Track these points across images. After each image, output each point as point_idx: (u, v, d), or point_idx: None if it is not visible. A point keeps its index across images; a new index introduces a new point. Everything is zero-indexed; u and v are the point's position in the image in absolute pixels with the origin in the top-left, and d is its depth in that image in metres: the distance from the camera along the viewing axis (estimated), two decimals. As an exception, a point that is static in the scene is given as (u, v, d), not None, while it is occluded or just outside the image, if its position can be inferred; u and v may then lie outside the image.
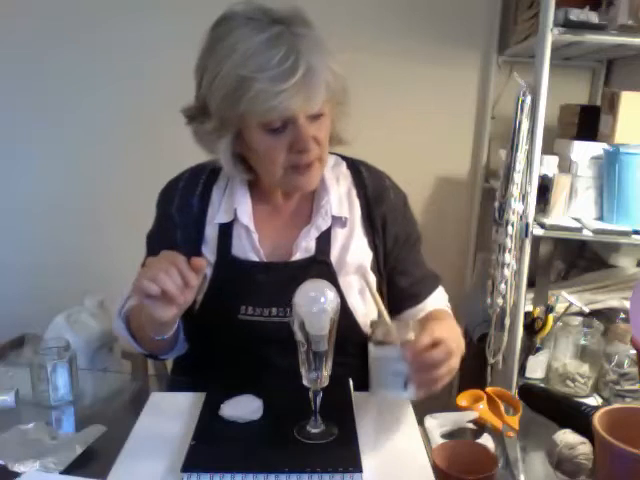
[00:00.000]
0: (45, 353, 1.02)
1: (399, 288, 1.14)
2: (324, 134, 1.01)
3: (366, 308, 1.10)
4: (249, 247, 1.08)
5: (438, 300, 1.17)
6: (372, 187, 1.14)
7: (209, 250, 1.09)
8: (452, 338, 0.86)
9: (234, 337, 1.07)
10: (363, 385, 0.95)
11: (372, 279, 1.11)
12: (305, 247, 1.08)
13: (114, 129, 2.26)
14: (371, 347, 0.86)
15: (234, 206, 1.08)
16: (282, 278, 1.03)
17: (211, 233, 1.10)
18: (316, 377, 0.84)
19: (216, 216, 1.09)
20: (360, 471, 0.78)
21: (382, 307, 0.90)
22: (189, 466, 0.78)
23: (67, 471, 0.82)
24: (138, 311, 1.04)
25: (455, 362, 0.85)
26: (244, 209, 1.08)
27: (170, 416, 0.95)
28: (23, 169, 2.33)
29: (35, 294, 2.24)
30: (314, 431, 0.85)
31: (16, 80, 2.25)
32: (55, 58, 2.21)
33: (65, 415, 1.02)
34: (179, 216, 1.11)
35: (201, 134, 1.03)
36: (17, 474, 0.80)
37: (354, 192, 1.13)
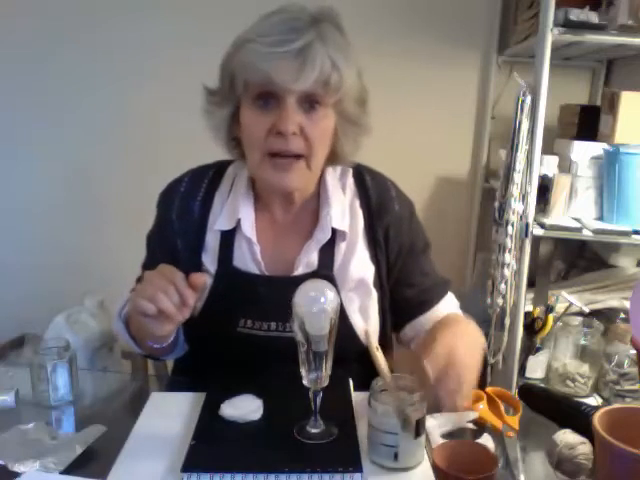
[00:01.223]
0: (45, 353, 1.02)
1: (405, 299, 1.12)
2: (316, 132, 0.97)
3: (366, 324, 1.08)
4: (250, 259, 1.06)
5: (449, 306, 1.14)
6: (376, 198, 1.10)
7: (209, 259, 1.07)
8: (459, 349, 0.85)
9: (232, 349, 1.05)
10: (363, 385, 0.95)
11: (374, 295, 1.10)
12: (307, 262, 1.05)
13: (114, 129, 2.26)
14: (370, 415, 0.83)
15: (237, 216, 1.05)
16: (283, 293, 0.99)
17: (212, 241, 1.08)
18: (316, 377, 0.84)
19: (217, 222, 1.07)
20: (360, 471, 0.78)
21: (384, 369, 0.87)
22: (189, 466, 0.78)
23: (67, 471, 0.82)
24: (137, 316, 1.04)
25: (469, 378, 0.85)
26: (247, 219, 1.06)
27: (170, 416, 0.94)
28: (23, 169, 2.33)
29: (35, 294, 2.24)
30: (314, 431, 0.85)
31: (16, 80, 2.25)
32: (55, 58, 2.21)
33: (65, 415, 1.02)
34: (179, 222, 1.09)
35: (208, 106, 1.03)
36: (17, 474, 0.80)
37: (357, 203, 1.10)
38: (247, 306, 1.05)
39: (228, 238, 1.07)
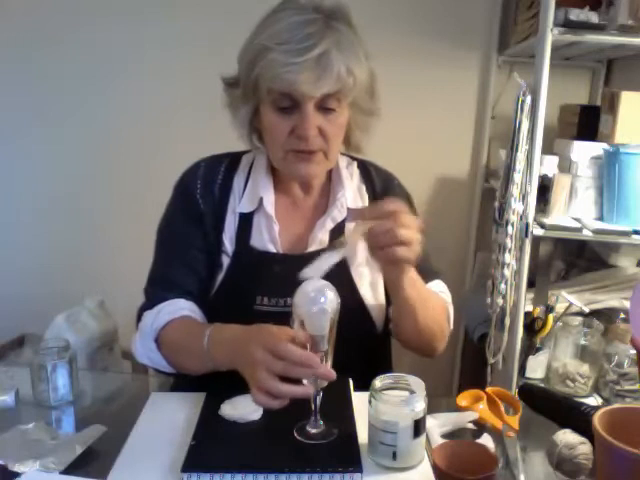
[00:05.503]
0: (45, 353, 1.03)
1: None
2: (334, 130, 1.02)
3: (376, 300, 1.12)
4: (268, 238, 1.10)
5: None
6: (380, 185, 1.18)
7: (228, 239, 1.11)
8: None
9: None
10: (363, 385, 0.95)
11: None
12: (320, 239, 1.10)
13: (114, 130, 2.26)
14: (370, 414, 0.82)
15: (259, 195, 1.10)
16: (297, 269, 1.03)
17: (231, 222, 1.11)
18: (316, 377, 0.84)
19: (239, 205, 1.11)
20: (360, 471, 0.78)
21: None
22: (189, 466, 0.78)
23: (67, 471, 0.82)
24: (180, 330, 1.02)
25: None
26: (268, 198, 1.11)
27: (170, 416, 0.95)
28: (23, 169, 2.33)
29: (35, 294, 2.24)
30: (314, 431, 0.85)
31: (16, 80, 2.25)
32: (55, 58, 2.21)
33: (65, 415, 1.02)
34: (203, 202, 1.12)
35: (231, 100, 1.08)
36: (17, 474, 0.80)
37: (363, 188, 1.17)
38: (263, 284, 1.07)
39: (246, 220, 1.11)
